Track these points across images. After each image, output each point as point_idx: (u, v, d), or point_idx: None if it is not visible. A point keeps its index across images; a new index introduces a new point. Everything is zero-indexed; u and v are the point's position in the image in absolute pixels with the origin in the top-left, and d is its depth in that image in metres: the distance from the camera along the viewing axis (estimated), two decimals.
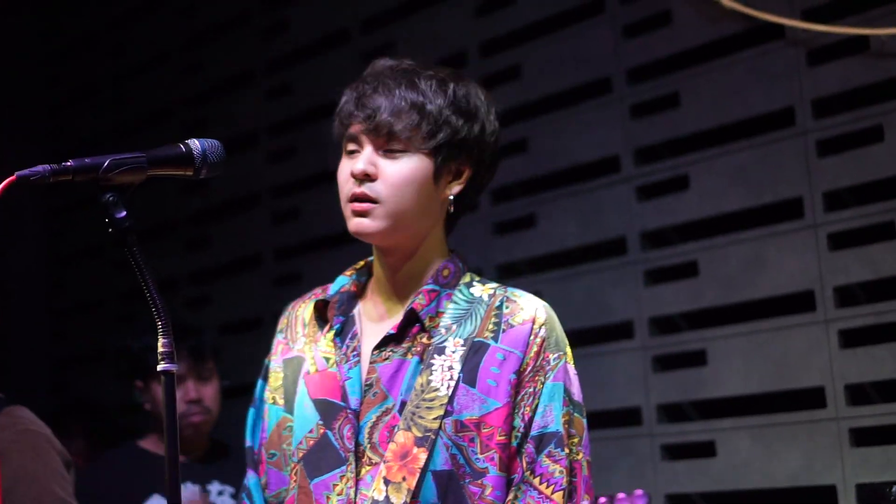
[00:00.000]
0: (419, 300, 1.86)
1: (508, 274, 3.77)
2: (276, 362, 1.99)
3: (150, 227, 5.04)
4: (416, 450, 1.76)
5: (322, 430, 1.84)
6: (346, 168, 1.86)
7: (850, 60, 3.08)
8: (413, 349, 1.84)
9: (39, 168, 1.50)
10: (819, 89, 3.13)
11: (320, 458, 1.83)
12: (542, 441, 1.78)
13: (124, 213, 1.54)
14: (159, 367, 1.50)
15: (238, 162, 4.51)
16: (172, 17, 5.13)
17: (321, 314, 1.96)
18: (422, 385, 1.80)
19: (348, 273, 1.98)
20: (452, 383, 1.79)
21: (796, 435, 3.09)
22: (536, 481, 1.77)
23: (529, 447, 1.78)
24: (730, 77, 3.30)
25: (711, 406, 3.30)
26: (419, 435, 1.77)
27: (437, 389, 1.79)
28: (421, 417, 1.78)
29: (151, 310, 1.54)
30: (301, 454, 1.85)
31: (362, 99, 1.85)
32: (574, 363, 1.86)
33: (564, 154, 3.66)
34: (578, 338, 3.56)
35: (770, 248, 3.18)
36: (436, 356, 1.82)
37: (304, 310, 2.00)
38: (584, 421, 1.85)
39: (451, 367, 1.80)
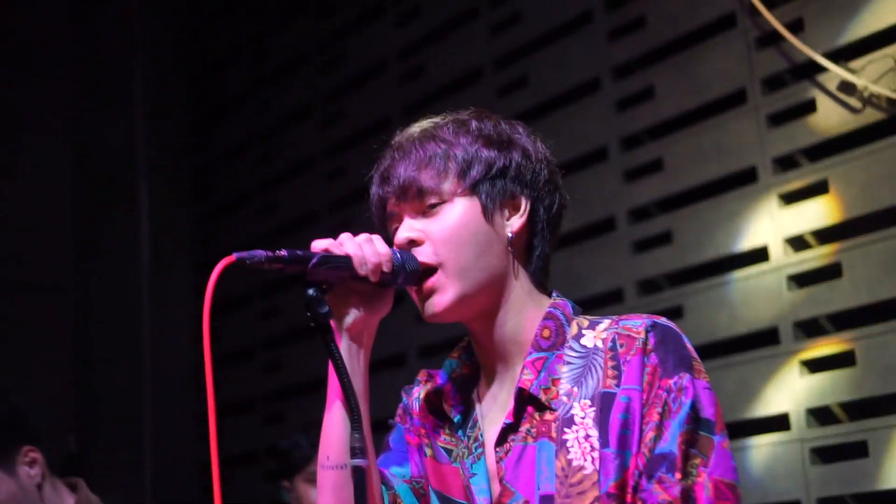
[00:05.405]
0: (525, 376, 1.61)
1: None
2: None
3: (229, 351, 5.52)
4: None
5: None
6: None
7: None
8: (533, 430, 1.60)
9: (257, 252, 1.52)
10: None
11: None
12: (653, 464, 1.51)
13: (327, 309, 1.55)
14: (351, 463, 1.49)
15: None
16: (317, 127, 5.29)
17: (434, 406, 1.73)
18: (563, 469, 1.55)
19: (455, 354, 1.77)
20: (596, 454, 1.54)
21: None
22: None
23: (643, 477, 1.51)
24: (880, 163, 3.25)
25: (875, 499, 3.19)
26: None
27: (581, 468, 1.54)
28: None
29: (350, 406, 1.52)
30: None
31: (385, 173, 1.69)
32: (706, 376, 1.58)
33: (710, 245, 3.63)
34: (732, 430, 3.49)
35: None
36: (566, 430, 1.57)
37: (416, 402, 1.78)
38: (716, 439, 1.53)
39: (587, 436, 1.55)
